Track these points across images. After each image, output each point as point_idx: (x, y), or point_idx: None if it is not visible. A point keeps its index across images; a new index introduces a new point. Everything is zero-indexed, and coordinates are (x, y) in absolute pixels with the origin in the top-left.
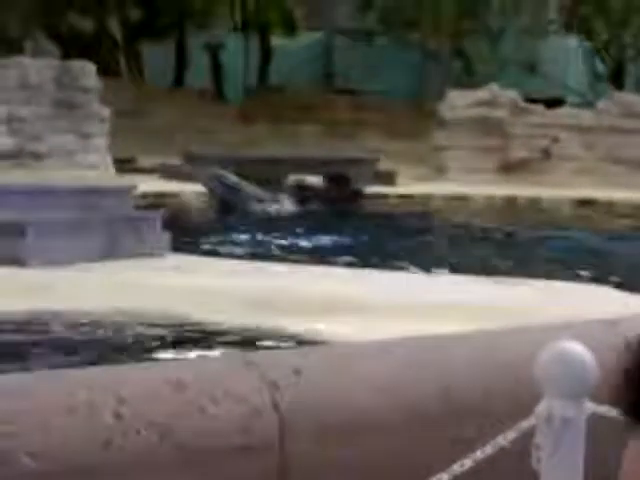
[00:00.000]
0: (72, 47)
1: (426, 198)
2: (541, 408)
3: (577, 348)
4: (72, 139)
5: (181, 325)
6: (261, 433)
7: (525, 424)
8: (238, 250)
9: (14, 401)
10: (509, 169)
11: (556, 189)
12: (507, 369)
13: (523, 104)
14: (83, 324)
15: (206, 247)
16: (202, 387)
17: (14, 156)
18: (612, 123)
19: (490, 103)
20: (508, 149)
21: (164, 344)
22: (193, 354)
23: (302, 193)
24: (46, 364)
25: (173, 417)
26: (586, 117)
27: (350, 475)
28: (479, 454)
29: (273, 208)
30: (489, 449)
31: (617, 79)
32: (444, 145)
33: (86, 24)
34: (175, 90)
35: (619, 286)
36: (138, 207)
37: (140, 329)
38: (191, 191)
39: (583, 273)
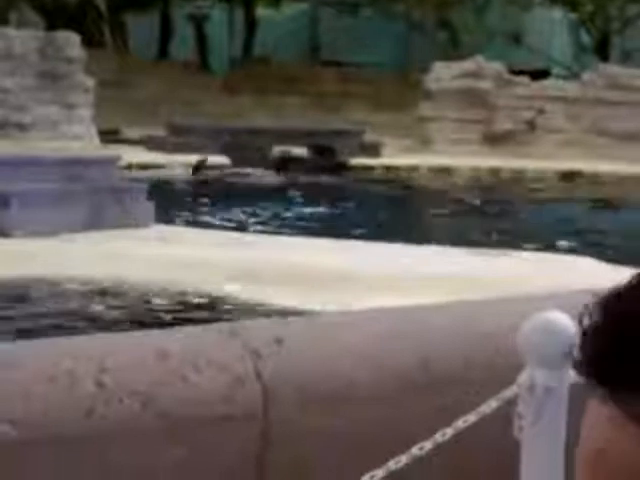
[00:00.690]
0: (57, 18)
1: (411, 170)
2: (523, 377)
3: (560, 317)
4: (56, 110)
5: (164, 295)
6: (244, 402)
7: (507, 393)
8: (222, 222)
9: None
10: (494, 141)
11: (541, 161)
12: (488, 339)
13: (508, 76)
14: (63, 293)
15: (190, 218)
16: (185, 356)
17: None
18: (597, 95)
19: (475, 75)
20: (493, 121)
21: (147, 313)
22: (176, 323)
23: (286, 164)
24: (22, 333)
25: (156, 386)
26: (571, 89)
27: (333, 444)
28: (461, 423)
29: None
30: (471, 418)
31: (602, 51)
32: (429, 116)
33: None
34: (160, 61)
35: (602, 257)
36: (122, 178)
37: (122, 298)
38: (176, 162)
39: (566, 244)
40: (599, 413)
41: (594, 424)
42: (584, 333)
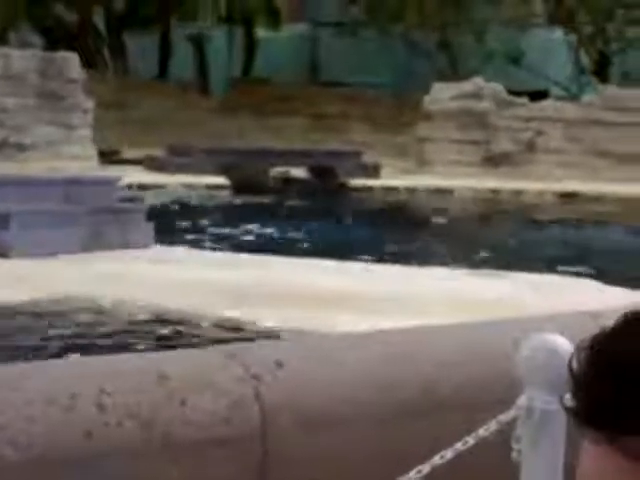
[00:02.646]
0: (56, 38)
1: (410, 191)
2: (522, 400)
3: (559, 340)
4: (56, 130)
5: (163, 316)
6: (243, 424)
7: (506, 416)
8: (222, 242)
9: None
10: (493, 162)
11: (540, 182)
12: (488, 361)
13: (507, 97)
14: (58, 313)
15: (189, 239)
16: (184, 379)
17: None
18: (596, 116)
19: (474, 95)
20: (492, 142)
21: (147, 335)
22: (176, 346)
23: (285, 185)
24: (23, 355)
25: (155, 408)
26: (570, 110)
27: (331, 466)
28: (460, 445)
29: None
30: (470, 440)
31: (601, 72)
32: (429, 137)
33: (70, 15)
34: (159, 82)
35: (599, 278)
36: (122, 199)
37: (121, 320)
38: (176, 183)
39: (565, 266)
40: (605, 462)
41: (602, 473)
42: (577, 379)
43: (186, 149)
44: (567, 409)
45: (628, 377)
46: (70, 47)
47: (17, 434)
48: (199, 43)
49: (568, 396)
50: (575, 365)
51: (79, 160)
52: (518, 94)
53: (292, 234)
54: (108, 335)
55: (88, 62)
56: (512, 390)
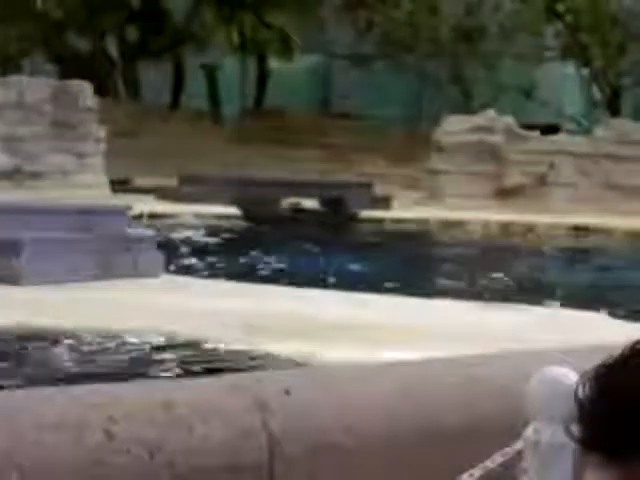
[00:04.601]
0: (70, 67)
1: (421, 223)
2: (528, 432)
3: (567, 373)
4: (69, 159)
5: (171, 345)
6: (251, 453)
7: (512, 448)
8: (232, 272)
9: (6, 417)
10: (505, 195)
11: (552, 215)
12: (496, 394)
13: (519, 130)
14: (71, 342)
15: (199, 268)
16: (192, 407)
17: (11, 175)
18: (608, 150)
19: (486, 129)
20: (504, 175)
21: (155, 363)
22: (184, 374)
23: (296, 216)
24: (32, 381)
25: (163, 436)
26: (582, 144)
27: None
28: (466, 477)
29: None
30: (477, 472)
31: (613, 106)
32: (440, 170)
33: (84, 44)
34: (172, 111)
35: (611, 312)
36: (133, 228)
37: (130, 348)
38: (187, 212)
39: (576, 299)
40: None
41: None
42: (581, 408)
43: (198, 179)
44: (572, 436)
45: (630, 406)
46: (83, 76)
47: (25, 460)
48: (212, 73)
49: (574, 426)
50: (580, 394)
51: (91, 189)
52: (530, 128)
53: (302, 264)
54: (116, 363)
55: (101, 91)
56: (520, 423)
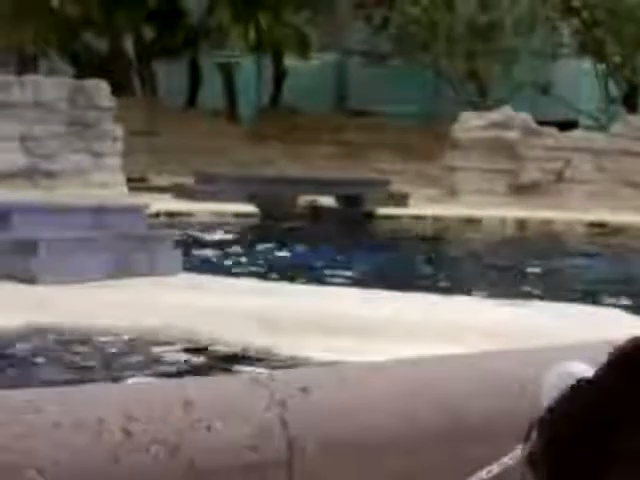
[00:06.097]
0: (86, 66)
1: (438, 220)
2: None
3: (582, 368)
4: (85, 158)
5: (189, 343)
6: (269, 451)
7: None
8: (249, 270)
9: (24, 416)
10: (521, 191)
11: (568, 212)
12: (512, 390)
13: (536, 126)
14: (84, 339)
15: (217, 266)
16: (211, 405)
17: (28, 174)
18: (625, 146)
19: (503, 125)
20: (521, 171)
21: (172, 362)
22: (202, 372)
23: (314, 213)
24: (50, 380)
25: (182, 434)
26: (599, 140)
27: None
28: (484, 474)
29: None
30: (495, 469)
31: (630, 102)
32: (457, 166)
33: (100, 43)
34: (188, 109)
35: (629, 309)
36: (150, 226)
37: (148, 347)
38: (204, 210)
39: (593, 295)
40: None
41: None
42: (532, 458)
43: (214, 177)
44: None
45: (561, 462)
46: (100, 75)
47: (43, 459)
48: (228, 71)
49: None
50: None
51: (108, 187)
52: (546, 124)
53: (319, 262)
54: (134, 361)
55: (118, 90)
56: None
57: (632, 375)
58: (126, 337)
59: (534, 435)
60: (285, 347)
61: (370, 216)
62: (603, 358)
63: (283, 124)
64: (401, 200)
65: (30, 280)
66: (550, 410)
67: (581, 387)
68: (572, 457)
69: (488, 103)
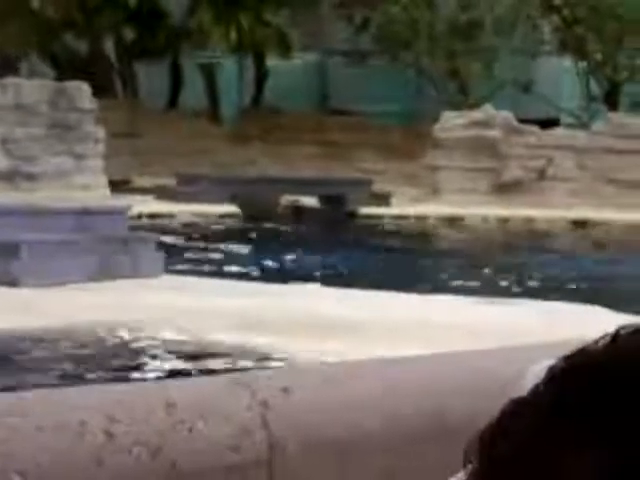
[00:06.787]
0: (67, 68)
1: (421, 219)
2: None
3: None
4: (67, 160)
5: (171, 344)
6: (250, 451)
7: None
8: (230, 270)
9: (6, 420)
10: (503, 190)
11: (551, 210)
12: (496, 388)
13: (517, 125)
14: (67, 341)
15: (198, 267)
16: (192, 406)
17: (8, 177)
18: (606, 144)
19: (484, 124)
20: (502, 170)
21: (155, 363)
22: (184, 373)
23: (297, 213)
24: (32, 382)
25: (164, 435)
26: (580, 138)
27: None
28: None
29: None
30: None
31: (611, 100)
32: (438, 166)
33: (81, 45)
34: (170, 111)
35: (611, 306)
36: (133, 228)
37: (130, 348)
38: (186, 211)
39: (577, 293)
40: None
41: None
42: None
43: (196, 178)
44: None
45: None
46: (81, 77)
47: (25, 462)
48: (210, 72)
49: None
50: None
51: (90, 189)
52: (528, 122)
53: (301, 262)
54: (116, 362)
55: (99, 92)
56: None
57: (568, 392)
58: (108, 338)
59: (473, 458)
60: (267, 347)
61: (353, 216)
62: None
63: (265, 124)
64: (383, 200)
65: (12, 283)
66: (490, 427)
67: (523, 402)
68: None
69: (470, 102)
